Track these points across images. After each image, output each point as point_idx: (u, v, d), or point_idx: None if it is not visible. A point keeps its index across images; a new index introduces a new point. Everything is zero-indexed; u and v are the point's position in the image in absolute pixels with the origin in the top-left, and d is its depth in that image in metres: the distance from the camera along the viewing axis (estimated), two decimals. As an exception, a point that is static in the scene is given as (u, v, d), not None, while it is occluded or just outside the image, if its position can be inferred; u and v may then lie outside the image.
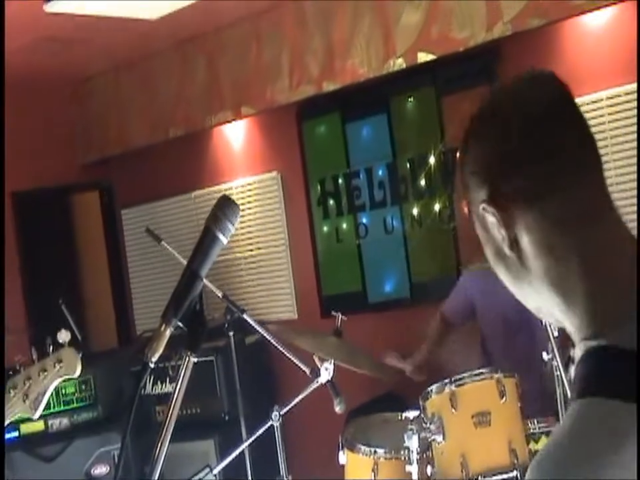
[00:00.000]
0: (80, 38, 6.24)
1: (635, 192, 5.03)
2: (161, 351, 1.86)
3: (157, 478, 1.85)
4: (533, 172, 1.41)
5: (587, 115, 4.92)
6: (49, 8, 5.35)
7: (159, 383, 6.11)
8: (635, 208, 4.94)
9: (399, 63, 5.62)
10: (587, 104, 5.20)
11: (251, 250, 6.91)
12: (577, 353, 1.39)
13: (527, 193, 1.40)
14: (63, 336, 2.84)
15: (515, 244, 1.42)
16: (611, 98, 5.12)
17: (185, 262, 1.91)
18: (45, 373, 2.77)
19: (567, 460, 1.29)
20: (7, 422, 2.81)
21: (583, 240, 1.39)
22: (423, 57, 5.51)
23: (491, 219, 1.43)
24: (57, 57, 6.61)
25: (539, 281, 1.42)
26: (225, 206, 1.89)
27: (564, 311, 1.42)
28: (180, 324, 1.85)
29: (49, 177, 7.37)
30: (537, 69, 1.52)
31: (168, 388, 6.03)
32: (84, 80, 7.53)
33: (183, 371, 1.87)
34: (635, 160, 5.02)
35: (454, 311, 5.06)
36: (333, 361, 3.99)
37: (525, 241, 1.41)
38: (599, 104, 5.17)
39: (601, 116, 5.16)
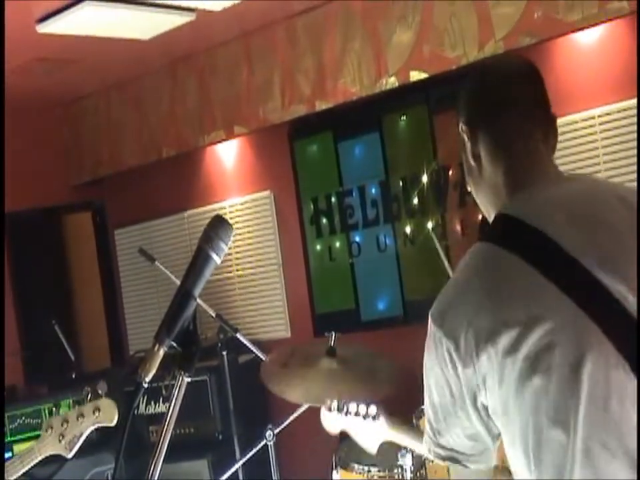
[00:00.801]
0: (72, 58, 6.25)
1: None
2: (154, 371, 1.86)
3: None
4: (488, 108, 2.09)
5: (579, 133, 4.97)
6: (41, 28, 5.36)
7: (152, 403, 6.09)
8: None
9: (391, 82, 5.63)
10: (579, 121, 5.21)
11: (244, 269, 6.90)
12: None
13: (486, 122, 2.07)
14: (102, 386, 3.10)
15: (477, 158, 2.08)
16: (603, 115, 5.13)
17: (178, 282, 1.91)
18: (83, 419, 3.09)
19: (446, 287, 1.97)
20: (39, 458, 3.13)
21: (512, 156, 2.04)
22: (415, 76, 5.52)
23: (465, 139, 2.09)
24: (49, 77, 6.61)
25: (487, 184, 2.08)
26: (218, 226, 1.89)
27: (495, 202, 2.06)
28: (173, 344, 1.85)
29: (41, 198, 7.36)
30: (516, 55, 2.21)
31: (161, 408, 6.01)
32: (76, 100, 7.53)
33: (177, 390, 1.86)
34: (626, 177, 5.03)
35: None
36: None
37: (483, 155, 2.07)
38: (591, 121, 5.18)
39: (593, 133, 5.17)
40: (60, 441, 3.11)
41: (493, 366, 1.79)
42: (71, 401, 5.91)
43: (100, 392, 3.18)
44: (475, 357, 1.82)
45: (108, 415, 3.12)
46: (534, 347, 1.75)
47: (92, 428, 3.13)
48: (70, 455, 3.11)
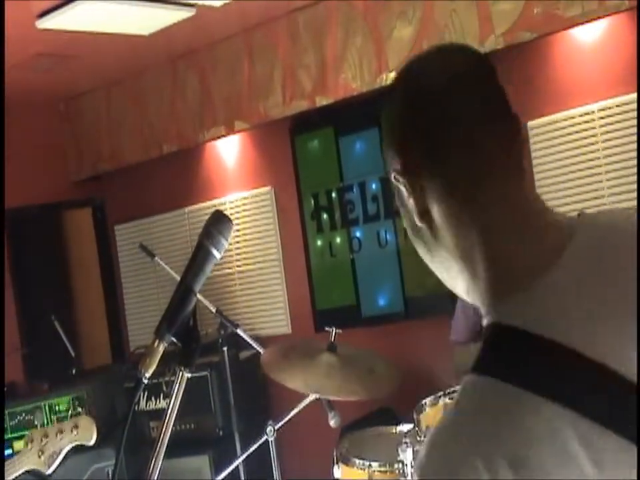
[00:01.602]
0: (72, 54, 6.24)
1: (627, 203, 5.04)
2: (154, 366, 1.85)
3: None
4: (431, 142, 1.42)
5: (578, 127, 4.96)
6: (41, 24, 5.35)
7: (152, 398, 6.09)
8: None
9: (392, 77, 5.62)
10: (578, 116, 5.22)
11: (245, 265, 6.91)
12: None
13: (429, 163, 1.42)
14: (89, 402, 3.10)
15: (426, 214, 1.44)
16: (603, 110, 5.14)
17: (178, 277, 1.91)
18: (62, 435, 3.04)
19: (443, 435, 1.33)
20: (19, 472, 3.09)
21: (483, 208, 1.40)
22: (416, 71, 5.52)
23: (403, 189, 1.46)
24: (49, 73, 6.61)
25: (450, 254, 1.44)
26: (218, 221, 1.89)
27: (472, 287, 1.44)
28: (174, 339, 1.85)
29: (41, 194, 7.36)
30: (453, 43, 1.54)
31: (162, 404, 6.02)
32: (76, 96, 7.53)
33: (177, 386, 1.86)
34: (626, 172, 5.04)
35: (463, 336, 5.02)
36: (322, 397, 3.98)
37: (435, 211, 1.43)
38: (590, 116, 5.18)
39: (593, 128, 5.18)
40: (39, 457, 3.10)
41: None
42: (70, 398, 5.92)
43: (80, 410, 3.19)
44: None
45: (86, 433, 3.07)
46: None
47: (70, 446, 3.09)
48: (49, 472, 3.08)
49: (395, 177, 1.47)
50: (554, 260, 1.37)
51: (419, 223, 1.46)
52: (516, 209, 1.41)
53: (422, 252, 1.51)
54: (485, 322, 1.42)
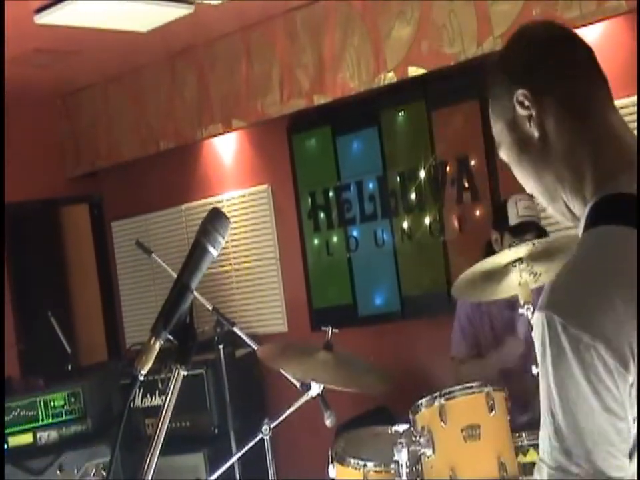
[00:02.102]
0: (70, 50, 6.24)
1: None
2: (150, 363, 1.85)
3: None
4: (560, 72, 1.78)
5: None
6: (39, 19, 5.35)
7: (148, 396, 6.09)
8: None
9: (390, 77, 5.63)
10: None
11: (241, 263, 6.91)
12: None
13: (556, 90, 1.77)
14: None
15: (543, 131, 1.76)
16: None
17: (175, 275, 1.91)
18: None
19: (573, 278, 1.62)
20: None
21: (594, 124, 1.75)
22: (414, 71, 5.53)
23: (523, 112, 1.78)
24: (46, 69, 6.60)
25: (559, 161, 1.76)
26: (216, 218, 1.89)
27: (575, 186, 1.75)
28: (170, 337, 1.85)
29: (38, 190, 7.36)
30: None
31: (157, 401, 6.02)
32: (73, 92, 7.53)
33: (173, 383, 1.86)
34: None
35: (463, 352, 5.03)
36: (320, 384, 3.98)
37: (551, 126, 1.76)
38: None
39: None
40: None
41: None
42: (66, 394, 5.92)
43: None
44: (631, 362, 1.52)
45: None
46: None
47: None
48: None
49: (517, 98, 1.77)
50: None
51: (534, 138, 1.77)
52: (612, 128, 1.76)
53: (528, 168, 1.81)
54: (588, 207, 1.71)
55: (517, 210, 4.75)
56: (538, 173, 1.80)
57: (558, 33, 1.85)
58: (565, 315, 1.55)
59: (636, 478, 1.58)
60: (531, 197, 4.89)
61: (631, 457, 1.57)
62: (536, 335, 1.61)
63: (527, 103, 1.77)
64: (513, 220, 4.73)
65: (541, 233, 4.80)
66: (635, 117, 4.94)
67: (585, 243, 1.66)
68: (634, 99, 4.91)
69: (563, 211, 1.81)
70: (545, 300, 1.59)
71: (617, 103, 5.06)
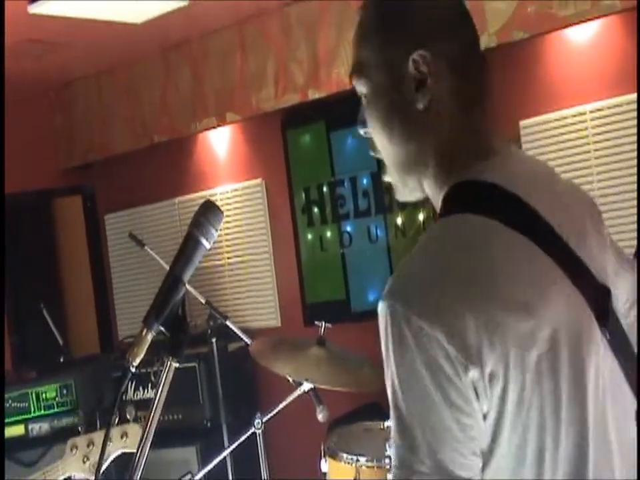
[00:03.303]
0: (63, 41, 6.22)
1: (619, 204, 5.05)
2: (142, 355, 1.86)
3: (137, 483, 1.85)
4: (453, 39, 1.70)
5: (570, 128, 4.95)
6: (33, 9, 5.33)
7: (140, 388, 6.09)
8: (623, 220, 4.97)
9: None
10: (570, 117, 5.22)
11: (235, 257, 6.91)
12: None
13: (452, 62, 1.66)
14: (130, 411, 3.12)
15: (431, 100, 1.64)
16: (595, 112, 5.14)
17: (167, 267, 1.91)
18: (110, 442, 3.07)
19: (419, 269, 1.55)
20: (62, 477, 3.11)
21: (477, 111, 1.68)
22: (409, 67, 5.52)
23: (417, 74, 1.63)
24: (40, 60, 6.59)
25: (434, 137, 1.66)
26: (208, 211, 1.89)
27: (440, 166, 1.67)
28: (162, 329, 1.85)
29: (31, 181, 7.34)
30: None
31: (150, 394, 6.01)
32: (67, 83, 7.52)
33: (165, 376, 1.86)
34: (617, 173, 5.05)
35: None
36: (312, 385, 3.98)
37: (442, 102, 1.64)
38: (582, 117, 5.18)
39: (584, 129, 5.18)
40: (84, 462, 3.11)
41: (507, 362, 1.46)
42: (58, 386, 5.91)
43: (128, 417, 3.21)
44: (481, 354, 1.44)
45: (133, 441, 3.08)
46: (547, 338, 1.49)
47: (118, 452, 3.12)
48: (93, 478, 3.09)
49: (415, 59, 1.63)
50: (505, 150, 1.69)
51: (420, 104, 1.64)
52: (482, 118, 1.69)
53: (394, 129, 1.70)
54: (442, 193, 1.67)
55: None
56: (405, 140, 1.69)
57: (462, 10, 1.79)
58: (407, 304, 1.48)
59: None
60: None
61: (490, 453, 1.50)
62: (380, 326, 1.55)
63: (422, 67, 1.63)
64: None
65: None
66: (630, 114, 4.95)
67: (434, 230, 1.64)
68: (629, 97, 4.92)
69: (413, 186, 1.74)
70: (388, 288, 1.53)
71: (612, 101, 5.07)
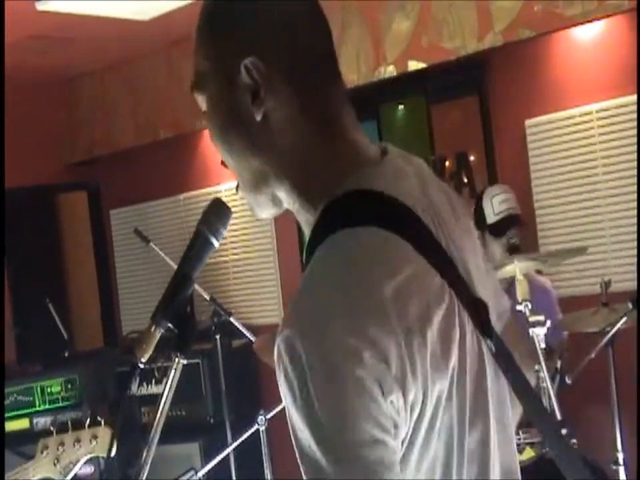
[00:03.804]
0: (69, 37, 6.23)
1: (625, 205, 5.06)
2: (150, 351, 1.86)
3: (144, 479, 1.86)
4: (292, 53, 1.50)
5: (576, 128, 4.95)
6: (40, 6, 5.34)
7: (144, 384, 6.10)
8: (630, 221, 4.97)
9: (390, 71, 5.63)
10: (577, 116, 5.23)
11: (239, 254, 6.91)
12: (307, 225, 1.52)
13: (287, 70, 1.49)
14: (102, 412, 3.11)
15: (270, 109, 1.48)
16: (601, 111, 5.14)
17: (172, 263, 1.92)
18: (79, 444, 2.97)
19: (338, 289, 1.36)
20: None
21: (330, 122, 1.51)
22: (414, 65, 5.53)
23: (247, 80, 1.48)
24: (45, 56, 6.60)
25: (277, 152, 1.50)
26: (218, 209, 1.89)
27: (297, 182, 1.51)
28: (170, 325, 1.85)
29: (35, 176, 7.35)
30: None
31: (153, 389, 6.02)
32: (72, 79, 7.53)
33: (172, 372, 1.87)
34: (624, 173, 5.05)
35: None
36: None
37: (279, 114, 1.48)
38: (588, 116, 5.19)
39: (591, 129, 5.18)
40: (55, 465, 3.11)
41: (425, 383, 1.36)
42: (63, 381, 5.93)
43: (99, 418, 3.18)
44: (407, 376, 1.33)
45: (103, 446, 3.04)
46: (456, 357, 1.41)
47: (87, 457, 3.10)
48: None
49: (246, 65, 1.47)
50: (378, 159, 1.55)
51: (255, 115, 1.48)
52: (357, 128, 1.55)
53: (232, 142, 1.55)
54: (319, 209, 1.48)
55: (492, 207, 4.71)
56: (247, 155, 1.54)
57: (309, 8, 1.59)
58: (346, 333, 1.31)
59: None
60: (505, 189, 4.90)
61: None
62: (282, 367, 1.36)
63: (255, 75, 1.48)
64: (490, 218, 4.69)
65: (522, 223, 4.78)
66: (634, 115, 4.96)
67: (330, 247, 1.42)
68: (635, 97, 4.92)
69: (265, 203, 1.60)
70: (292, 323, 1.37)
71: (618, 101, 5.06)
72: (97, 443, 3.06)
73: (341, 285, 1.36)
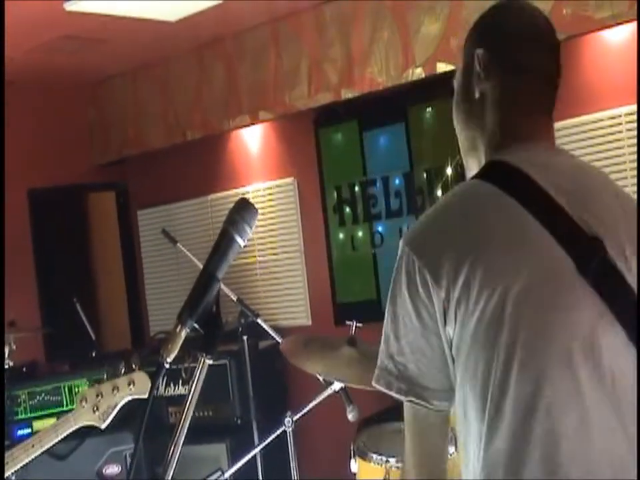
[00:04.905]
0: (99, 38, 6.26)
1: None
2: (176, 351, 1.86)
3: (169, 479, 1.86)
4: (518, 46, 1.98)
5: (605, 131, 4.93)
6: (69, 7, 5.37)
7: (171, 384, 6.11)
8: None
9: (418, 73, 5.63)
10: (606, 119, 5.19)
11: (266, 255, 6.92)
12: None
13: (506, 57, 1.98)
14: (135, 360, 3.21)
15: (484, 92, 1.97)
16: (630, 114, 5.11)
17: (199, 264, 1.92)
18: (117, 391, 3.22)
19: (426, 214, 1.96)
20: (74, 427, 3.23)
21: (516, 108, 1.96)
22: (442, 68, 5.52)
23: (477, 67, 1.97)
24: (76, 57, 6.63)
25: (482, 123, 1.97)
26: (244, 209, 1.89)
27: (490, 144, 1.96)
28: (196, 326, 1.85)
29: (66, 176, 7.41)
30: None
31: (180, 390, 6.04)
32: (102, 80, 7.56)
33: (198, 372, 1.86)
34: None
35: None
36: (342, 384, 3.98)
37: (489, 97, 1.96)
38: (617, 120, 5.15)
39: (619, 132, 5.15)
40: (94, 412, 3.23)
41: (470, 296, 1.73)
42: (90, 381, 5.94)
43: (134, 365, 3.30)
44: (453, 285, 1.75)
45: (141, 387, 3.23)
46: (514, 289, 1.72)
47: (126, 399, 3.26)
48: (104, 425, 3.22)
49: (477, 55, 1.97)
50: (547, 148, 2.01)
51: (476, 95, 1.98)
52: (536, 120, 1.99)
53: (464, 114, 2.03)
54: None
55: None
56: (466, 124, 2.03)
57: (537, 17, 2.06)
58: (412, 245, 1.88)
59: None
60: None
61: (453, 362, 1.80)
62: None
63: (481, 64, 1.97)
64: None
65: None
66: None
67: (453, 190, 1.95)
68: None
69: (480, 161, 1.99)
70: (406, 233, 1.95)
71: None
72: (134, 386, 3.22)
73: (433, 209, 1.94)
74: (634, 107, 5.08)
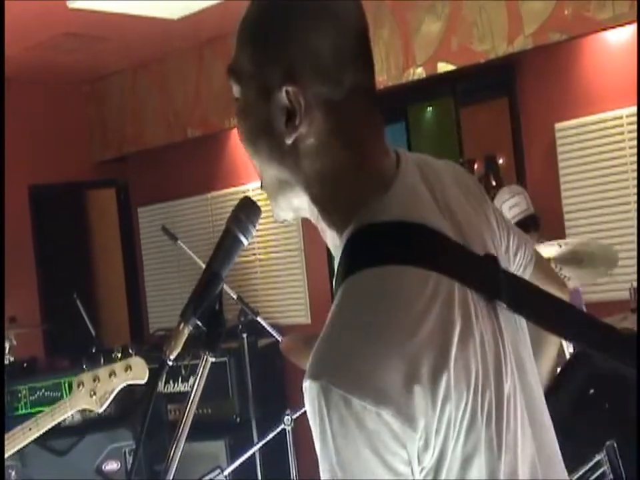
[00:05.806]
0: (100, 35, 6.27)
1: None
2: (179, 349, 1.86)
3: (171, 478, 1.87)
4: (336, 78, 1.46)
5: (606, 132, 4.93)
6: (71, 4, 5.38)
7: (171, 382, 6.12)
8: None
9: (419, 72, 5.63)
10: (607, 121, 5.20)
11: (266, 253, 6.93)
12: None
13: (325, 101, 1.45)
14: (133, 348, 3.22)
15: (306, 133, 1.45)
16: (632, 116, 5.11)
17: (200, 261, 1.93)
18: (114, 376, 3.20)
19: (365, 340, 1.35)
20: (70, 412, 3.22)
21: (355, 141, 1.48)
22: (443, 67, 5.53)
23: (285, 103, 1.44)
24: (76, 54, 6.64)
25: (302, 171, 1.50)
26: (247, 207, 1.89)
27: (317, 200, 1.52)
28: (199, 323, 1.86)
29: (65, 173, 7.41)
30: None
31: (180, 387, 6.04)
32: (102, 77, 7.57)
33: (201, 370, 1.87)
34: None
35: None
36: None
37: (312, 143, 1.46)
38: (619, 121, 5.17)
39: (621, 133, 5.16)
40: (91, 396, 3.24)
41: (449, 420, 1.35)
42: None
43: (131, 351, 3.32)
44: (428, 420, 1.32)
45: (139, 372, 3.22)
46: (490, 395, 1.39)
47: (123, 385, 3.26)
48: (100, 410, 3.23)
49: (287, 91, 1.44)
50: (394, 178, 1.50)
51: (288, 138, 1.46)
52: (383, 142, 1.54)
53: (259, 151, 1.54)
54: (343, 237, 1.51)
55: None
56: (270, 163, 1.54)
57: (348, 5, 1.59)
58: (342, 381, 1.31)
59: None
60: (514, 191, 4.85)
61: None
62: (310, 409, 1.35)
63: (293, 101, 1.44)
64: None
65: (537, 222, 4.71)
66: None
67: (352, 291, 1.46)
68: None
69: (285, 205, 1.62)
70: (317, 366, 1.35)
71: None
72: (132, 372, 3.22)
73: (362, 332, 1.38)
74: (636, 109, 5.09)
